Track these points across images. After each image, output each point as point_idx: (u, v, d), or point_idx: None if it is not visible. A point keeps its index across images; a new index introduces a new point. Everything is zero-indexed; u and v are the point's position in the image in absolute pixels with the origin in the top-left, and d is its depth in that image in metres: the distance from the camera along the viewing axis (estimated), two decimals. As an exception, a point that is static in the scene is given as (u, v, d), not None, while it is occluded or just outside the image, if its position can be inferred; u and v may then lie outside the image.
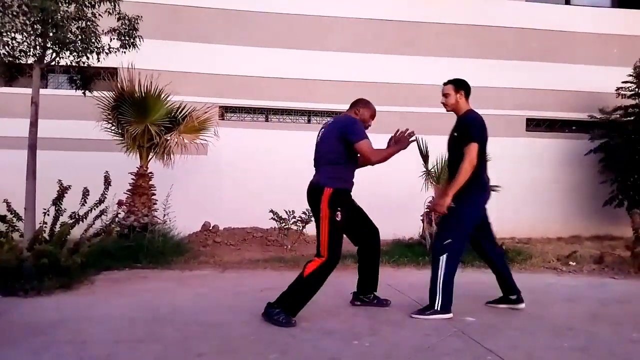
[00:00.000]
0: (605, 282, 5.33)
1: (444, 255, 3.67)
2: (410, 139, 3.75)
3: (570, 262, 6.30)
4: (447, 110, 4.01)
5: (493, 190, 4.27)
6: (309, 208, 7.29)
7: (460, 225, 3.73)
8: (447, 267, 3.66)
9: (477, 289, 4.43)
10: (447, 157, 4.22)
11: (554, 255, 6.68)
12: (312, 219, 7.26)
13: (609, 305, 4.24)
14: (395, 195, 8.31)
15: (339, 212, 3.55)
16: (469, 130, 3.75)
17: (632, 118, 8.94)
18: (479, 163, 3.72)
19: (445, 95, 3.94)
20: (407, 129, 3.75)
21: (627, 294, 4.77)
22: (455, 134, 3.89)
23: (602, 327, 3.53)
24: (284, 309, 3.49)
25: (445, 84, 3.98)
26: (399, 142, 3.74)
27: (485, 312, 3.88)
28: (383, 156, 3.71)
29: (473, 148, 3.67)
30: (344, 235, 3.75)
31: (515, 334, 3.36)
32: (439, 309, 3.66)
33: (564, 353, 3.01)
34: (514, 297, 3.97)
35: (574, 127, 10.23)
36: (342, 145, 3.64)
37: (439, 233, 3.88)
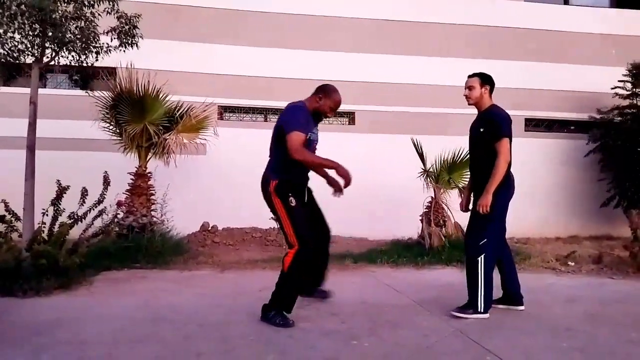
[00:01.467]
0: (604, 282, 5.34)
1: (482, 256, 3.66)
2: (342, 188, 3.50)
3: (569, 262, 6.31)
4: (469, 104, 3.93)
5: None
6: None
7: (492, 223, 3.72)
8: (486, 267, 3.67)
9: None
10: (468, 152, 4.14)
11: (552, 255, 6.69)
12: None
13: (608, 305, 4.25)
14: (393, 195, 8.31)
15: (291, 198, 3.42)
16: (499, 126, 3.69)
17: (628, 117, 8.96)
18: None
19: (469, 87, 3.86)
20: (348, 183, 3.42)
21: (626, 294, 4.77)
22: (482, 130, 3.80)
23: (601, 327, 3.54)
24: (278, 308, 3.47)
25: (470, 76, 3.90)
26: (339, 171, 3.37)
27: (484, 312, 3.89)
28: (309, 158, 3.41)
29: (505, 144, 3.65)
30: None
31: (514, 334, 3.37)
32: (482, 310, 3.67)
33: (562, 353, 3.02)
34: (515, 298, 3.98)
35: (572, 127, 10.24)
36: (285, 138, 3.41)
37: (471, 234, 3.83)
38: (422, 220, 7.01)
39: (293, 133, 3.35)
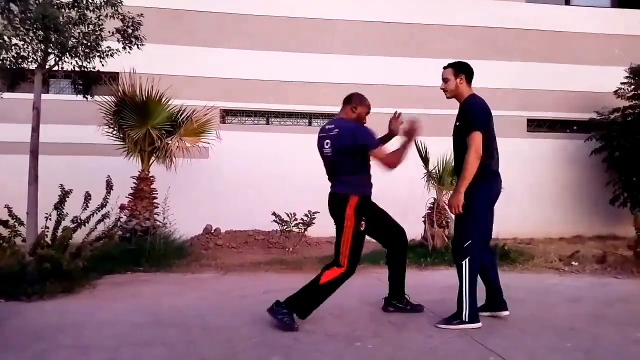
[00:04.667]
0: (608, 282, 5.31)
1: (466, 260, 3.41)
2: (402, 125, 3.63)
3: (573, 262, 6.28)
4: (447, 97, 3.70)
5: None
6: (310, 210, 7.32)
7: (474, 223, 3.46)
8: (471, 272, 3.40)
9: (480, 289, 4.40)
10: (452, 150, 3.77)
11: (556, 255, 6.67)
12: (314, 221, 7.36)
13: (612, 305, 4.23)
14: (396, 196, 8.27)
15: (363, 222, 3.51)
16: (471, 119, 3.45)
17: (630, 119, 8.94)
18: (486, 152, 3.43)
19: (444, 80, 3.64)
20: (395, 112, 3.65)
21: (630, 293, 4.75)
22: (458, 124, 3.57)
23: (605, 327, 3.52)
24: (294, 309, 3.46)
25: (445, 67, 3.68)
26: (406, 134, 3.57)
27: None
28: (399, 159, 3.54)
29: (476, 137, 3.37)
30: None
31: (518, 334, 3.36)
32: (466, 319, 3.41)
33: (566, 353, 3.01)
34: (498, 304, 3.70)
35: (575, 128, 10.23)
36: (357, 153, 3.53)
37: (456, 236, 3.64)
38: (425, 222, 7.00)
39: (377, 150, 3.53)
